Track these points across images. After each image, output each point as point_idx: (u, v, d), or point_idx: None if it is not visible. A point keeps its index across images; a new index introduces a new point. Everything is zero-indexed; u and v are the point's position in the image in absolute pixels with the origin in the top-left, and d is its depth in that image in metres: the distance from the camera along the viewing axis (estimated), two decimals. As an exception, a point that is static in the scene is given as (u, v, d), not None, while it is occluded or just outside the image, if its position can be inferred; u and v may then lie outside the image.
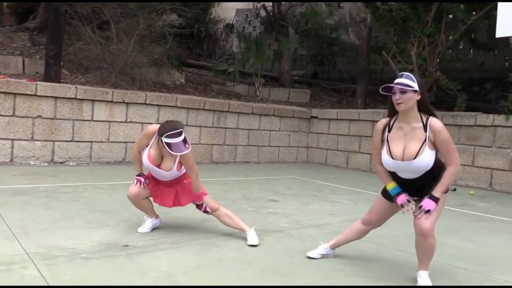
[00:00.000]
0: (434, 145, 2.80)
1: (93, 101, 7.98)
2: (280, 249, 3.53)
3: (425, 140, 2.76)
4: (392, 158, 2.83)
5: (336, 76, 14.87)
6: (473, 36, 10.72)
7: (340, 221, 4.73)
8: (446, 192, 2.90)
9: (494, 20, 8.04)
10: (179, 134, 3.35)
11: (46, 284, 2.53)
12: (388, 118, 2.95)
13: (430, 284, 2.90)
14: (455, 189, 7.86)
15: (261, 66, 12.14)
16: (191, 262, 3.06)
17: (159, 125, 3.50)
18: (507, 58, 11.87)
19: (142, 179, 3.60)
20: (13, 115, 7.27)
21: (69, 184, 5.85)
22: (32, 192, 5.14)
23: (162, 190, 3.67)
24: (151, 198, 3.76)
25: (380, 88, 2.82)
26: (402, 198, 2.88)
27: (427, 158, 2.75)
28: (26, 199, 4.78)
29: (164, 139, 3.30)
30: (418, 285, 2.91)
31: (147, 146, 3.59)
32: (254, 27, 18.11)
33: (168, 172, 3.54)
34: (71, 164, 7.78)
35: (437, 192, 2.79)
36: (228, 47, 18.42)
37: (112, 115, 8.21)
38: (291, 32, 13.68)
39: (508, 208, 6.30)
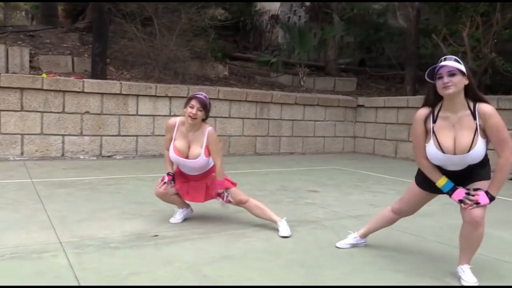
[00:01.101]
0: (485, 133, 2.56)
1: (138, 96, 8.17)
2: (311, 240, 3.42)
3: (477, 128, 2.52)
4: (443, 151, 2.58)
5: (384, 63, 14.34)
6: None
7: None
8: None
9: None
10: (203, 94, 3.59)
11: (72, 272, 2.58)
12: (429, 108, 2.67)
13: (475, 282, 2.65)
14: (511, 179, 7.35)
15: (306, 55, 11.93)
16: (217, 253, 3.03)
17: (178, 117, 3.57)
18: None
19: (166, 179, 3.58)
20: (63, 111, 7.60)
21: (113, 176, 6.02)
22: (76, 185, 5.34)
23: (191, 186, 3.65)
24: None
25: (426, 73, 2.60)
26: (460, 193, 2.60)
27: (481, 149, 2.53)
28: (70, 191, 4.97)
29: (191, 101, 3.45)
30: (462, 282, 2.66)
31: (171, 140, 3.59)
32: (299, 16, 17.84)
33: (197, 159, 3.51)
34: (118, 157, 8.03)
35: (494, 190, 2.55)
36: (274, 38, 18.28)
37: (156, 109, 8.37)
38: (336, 19, 13.32)
39: None
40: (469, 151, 2.52)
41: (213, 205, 4.12)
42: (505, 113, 8.17)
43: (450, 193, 2.66)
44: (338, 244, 3.26)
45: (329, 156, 9.94)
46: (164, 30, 9.27)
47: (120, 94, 8.00)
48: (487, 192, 2.56)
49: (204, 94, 3.60)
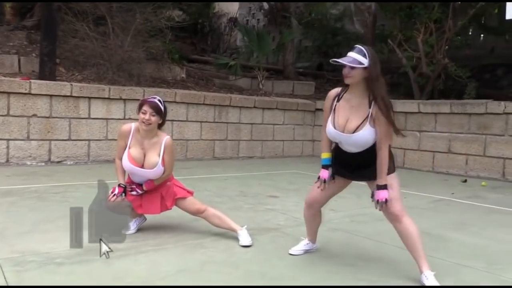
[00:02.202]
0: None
1: (90, 98, 7.79)
2: (272, 249, 3.29)
3: (367, 116, 2.70)
4: (335, 127, 2.79)
5: (342, 67, 14.52)
6: (482, 21, 10.34)
7: (341, 217, 4.47)
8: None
9: (504, 2, 7.67)
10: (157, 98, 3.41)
11: (9, 294, 2.33)
12: (339, 88, 2.89)
13: (438, 284, 2.65)
14: (465, 180, 7.55)
15: (264, 58, 11.87)
16: (172, 266, 2.84)
17: (132, 123, 3.36)
18: (518, 43, 11.45)
19: (117, 191, 3.32)
20: (8, 114, 7.11)
21: (62, 183, 5.67)
22: (22, 193, 4.97)
23: (145, 198, 3.44)
24: None
25: (331, 60, 2.76)
26: (325, 174, 2.91)
27: (367, 135, 2.70)
28: (14, 200, 4.61)
29: (142, 107, 3.28)
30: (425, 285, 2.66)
31: (125, 148, 3.36)
32: (258, 20, 17.80)
33: (154, 169, 3.32)
34: (68, 163, 7.62)
35: (381, 180, 2.73)
36: (232, 41, 18.14)
37: (109, 112, 8.02)
38: (294, 23, 13.37)
39: (522, 199, 5.98)
40: (353, 132, 2.71)
41: (169, 214, 3.90)
42: (458, 117, 8.42)
43: (322, 168, 2.94)
44: (291, 251, 3.21)
45: (288, 160, 9.89)
46: (118, 30, 8.91)
47: (71, 96, 7.60)
48: (379, 187, 2.73)
49: (158, 97, 3.41)
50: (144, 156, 3.34)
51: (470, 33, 11.73)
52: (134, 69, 8.96)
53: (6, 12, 13.01)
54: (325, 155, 2.95)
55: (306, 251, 3.24)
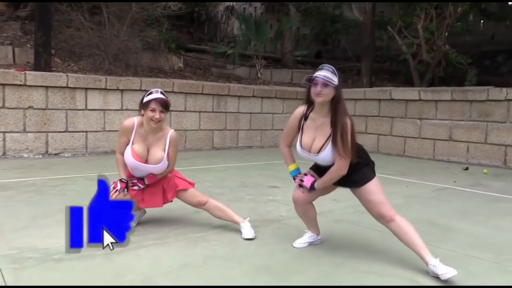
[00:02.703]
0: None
1: (86, 89, 7.68)
2: (276, 242, 3.22)
3: (330, 136, 2.77)
4: (302, 147, 2.87)
5: (340, 55, 14.40)
6: (483, 6, 10.19)
7: (344, 207, 4.40)
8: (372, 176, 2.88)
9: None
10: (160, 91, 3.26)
11: (7, 293, 2.25)
12: (305, 106, 2.92)
13: (453, 270, 2.53)
14: (467, 168, 7.50)
15: (262, 47, 11.73)
16: (174, 261, 2.77)
17: (134, 117, 3.26)
18: (519, 28, 11.33)
19: (119, 186, 3.20)
20: (3, 106, 7.00)
21: (60, 176, 5.58)
22: (18, 187, 4.88)
23: (147, 191, 3.34)
24: None
25: (304, 78, 2.80)
26: (297, 180, 3.01)
27: (331, 154, 2.78)
28: (10, 194, 4.52)
29: (149, 97, 3.16)
30: (442, 278, 2.53)
31: (128, 144, 3.27)
32: (255, 7, 17.60)
33: (158, 165, 3.23)
34: (66, 155, 7.52)
35: (318, 183, 2.90)
36: (229, 30, 17.94)
37: (106, 103, 7.91)
38: (292, 10, 13.21)
39: (525, 187, 5.92)
40: (318, 152, 2.81)
41: (170, 206, 3.83)
42: (459, 104, 8.34)
43: (295, 177, 3.04)
44: (295, 244, 3.16)
45: (288, 149, 9.80)
46: (114, 19, 8.75)
47: (67, 87, 7.48)
48: (313, 182, 2.91)
49: (160, 90, 3.29)
50: (148, 151, 3.25)
51: (470, 19, 11.60)
52: (131, 59, 8.82)
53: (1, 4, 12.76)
54: (292, 167, 3.06)
55: (310, 243, 3.18)
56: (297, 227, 3.61)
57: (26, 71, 7.26)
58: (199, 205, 3.39)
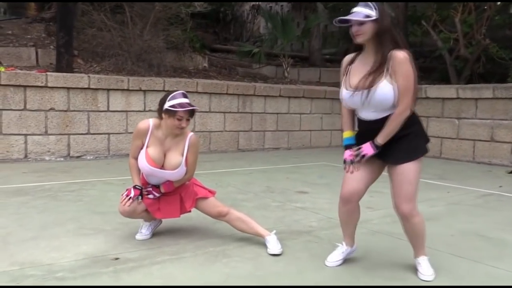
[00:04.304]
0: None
1: (108, 90, 7.48)
2: (306, 258, 2.84)
3: (383, 71, 2.39)
4: (350, 86, 2.49)
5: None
6: (525, -3, 9.52)
7: (381, 216, 3.99)
8: (422, 155, 2.50)
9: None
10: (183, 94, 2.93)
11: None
12: (355, 53, 2.60)
13: (431, 274, 2.56)
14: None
15: (289, 45, 11.34)
16: (190, 281, 2.44)
17: (149, 119, 2.95)
18: None
19: (133, 194, 2.91)
20: (25, 108, 6.86)
21: (78, 180, 5.36)
22: (34, 192, 4.67)
23: (163, 200, 3.03)
24: None
25: (336, 20, 2.48)
26: (347, 154, 2.58)
27: (384, 89, 2.38)
28: (25, 200, 4.31)
29: (174, 102, 2.80)
30: (418, 275, 2.58)
31: (142, 147, 2.97)
32: (282, 5, 17.22)
33: (176, 170, 2.91)
34: (88, 158, 7.34)
35: (380, 138, 2.45)
36: (256, 29, 17.64)
37: (129, 104, 7.69)
38: (320, 7, 12.76)
39: None
40: (370, 87, 2.39)
41: (188, 214, 3.53)
42: (501, 102, 7.75)
43: (345, 148, 2.63)
44: (327, 263, 2.73)
45: (317, 150, 9.39)
46: (136, 18, 8.55)
47: (89, 88, 7.30)
48: (372, 141, 2.47)
49: (183, 92, 2.94)
50: (165, 155, 2.94)
51: (511, 11, 10.88)
52: (154, 59, 8.60)
53: (31, 7, 12.82)
54: (347, 134, 2.66)
55: (345, 259, 2.78)
56: (330, 239, 3.23)
57: (47, 72, 7.11)
58: (220, 216, 3.05)
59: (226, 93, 8.66)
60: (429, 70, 11.70)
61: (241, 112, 8.92)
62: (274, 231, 3.04)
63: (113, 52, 8.25)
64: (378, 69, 2.40)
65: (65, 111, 7.15)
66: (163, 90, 7.78)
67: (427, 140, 2.58)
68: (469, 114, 8.18)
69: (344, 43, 14.54)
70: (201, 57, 10.44)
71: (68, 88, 7.14)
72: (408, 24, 10.85)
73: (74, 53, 8.01)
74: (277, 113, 9.44)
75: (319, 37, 12.97)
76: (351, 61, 2.59)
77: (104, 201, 4.29)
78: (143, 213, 3.05)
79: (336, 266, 2.73)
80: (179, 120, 2.84)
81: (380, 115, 2.45)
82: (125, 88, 7.58)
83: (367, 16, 2.38)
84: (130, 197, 2.91)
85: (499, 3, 8.97)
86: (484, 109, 7.96)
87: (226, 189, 5.02)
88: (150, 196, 3.00)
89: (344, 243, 2.80)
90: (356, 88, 2.45)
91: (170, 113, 2.84)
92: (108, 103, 7.50)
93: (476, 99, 8.06)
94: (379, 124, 2.45)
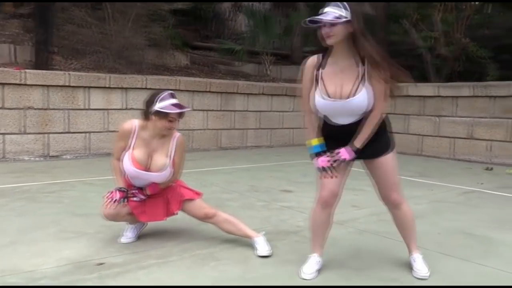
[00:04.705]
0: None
1: (88, 88, 7.32)
2: (296, 260, 2.79)
3: (361, 77, 2.35)
4: (329, 96, 2.39)
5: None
6: (502, -3, 9.70)
7: (367, 214, 4.00)
8: (395, 146, 2.56)
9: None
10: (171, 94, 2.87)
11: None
12: (317, 56, 2.49)
13: (426, 272, 2.56)
14: (491, 168, 7.05)
15: (270, 43, 11.31)
16: (178, 285, 2.38)
17: (134, 120, 2.89)
18: (541, 20, 10.78)
19: (118, 196, 2.81)
20: (2, 107, 6.67)
21: (57, 181, 5.23)
22: (12, 193, 4.53)
23: (149, 203, 2.96)
24: None
25: (306, 21, 2.35)
26: (324, 161, 2.43)
27: (364, 98, 2.35)
28: (3, 202, 4.17)
29: (165, 103, 2.73)
30: (413, 273, 2.59)
31: (125, 149, 2.89)
32: (263, 4, 17.15)
33: (161, 172, 2.84)
34: (67, 157, 7.18)
35: (357, 142, 2.40)
36: (237, 26, 17.54)
37: (109, 102, 7.55)
38: (301, 5, 12.75)
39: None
40: (348, 97, 2.35)
41: (174, 217, 3.46)
42: (480, 101, 7.88)
43: (316, 157, 2.49)
44: (304, 275, 2.51)
45: (299, 148, 9.38)
46: (117, 14, 8.39)
47: (68, 86, 7.13)
48: (350, 145, 2.42)
49: (171, 92, 2.88)
50: (150, 157, 2.87)
51: (488, 11, 11.07)
52: (135, 56, 8.47)
53: (5, 4, 12.43)
54: (316, 141, 2.51)
55: (319, 269, 2.59)
56: (317, 240, 3.21)
57: (25, 70, 6.91)
58: (206, 218, 3.00)
59: (209, 91, 8.58)
60: (409, 68, 11.81)
61: (223, 110, 8.86)
62: (264, 232, 3.00)
63: (93, 49, 8.10)
64: (362, 77, 2.35)
65: (44, 109, 6.98)
66: (145, 88, 7.67)
67: (391, 133, 2.61)
68: (449, 112, 8.29)
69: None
70: (183, 54, 10.32)
71: (47, 86, 6.96)
72: (389, 23, 10.94)
73: (53, 50, 7.81)
74: (259, 111, 9.41)
75: (300, 35, 12.96)
76: (319, 66, 2.46)
77: (85, 203, 4.18)
78: (127, 216, 2.97)
79: (314, 277, 2.52)
80: (171, 121, 2.79)
81: (355, 119, 2.42)
82: (106, 85, 7.44)
83: (339, 17, 2.28)
84: (115, 200, 2.82)
85: (477, 3, 9.11)
86: (464, 107, 8.09)
87: (210, 188, 4.96)
88: (135, 198, 2.92)
89: (316, 254, 2.61)
90: (340, 97, 2.36)
91: (162, 115, 2.77)
92: (88, 101, 7.35)
93: (456, 97, 8.17)
94: (353, 127, 2.42)
